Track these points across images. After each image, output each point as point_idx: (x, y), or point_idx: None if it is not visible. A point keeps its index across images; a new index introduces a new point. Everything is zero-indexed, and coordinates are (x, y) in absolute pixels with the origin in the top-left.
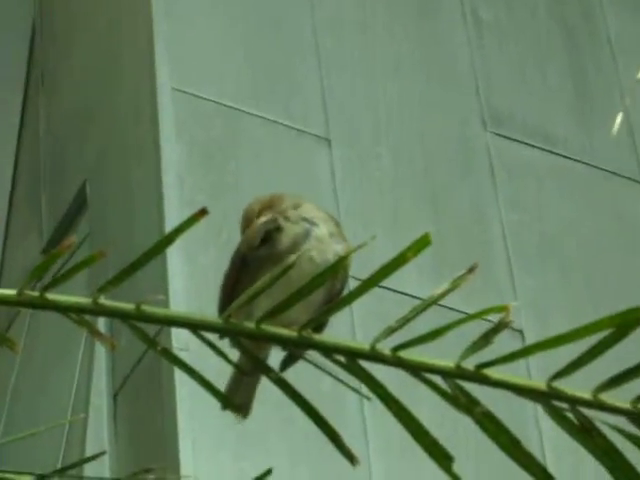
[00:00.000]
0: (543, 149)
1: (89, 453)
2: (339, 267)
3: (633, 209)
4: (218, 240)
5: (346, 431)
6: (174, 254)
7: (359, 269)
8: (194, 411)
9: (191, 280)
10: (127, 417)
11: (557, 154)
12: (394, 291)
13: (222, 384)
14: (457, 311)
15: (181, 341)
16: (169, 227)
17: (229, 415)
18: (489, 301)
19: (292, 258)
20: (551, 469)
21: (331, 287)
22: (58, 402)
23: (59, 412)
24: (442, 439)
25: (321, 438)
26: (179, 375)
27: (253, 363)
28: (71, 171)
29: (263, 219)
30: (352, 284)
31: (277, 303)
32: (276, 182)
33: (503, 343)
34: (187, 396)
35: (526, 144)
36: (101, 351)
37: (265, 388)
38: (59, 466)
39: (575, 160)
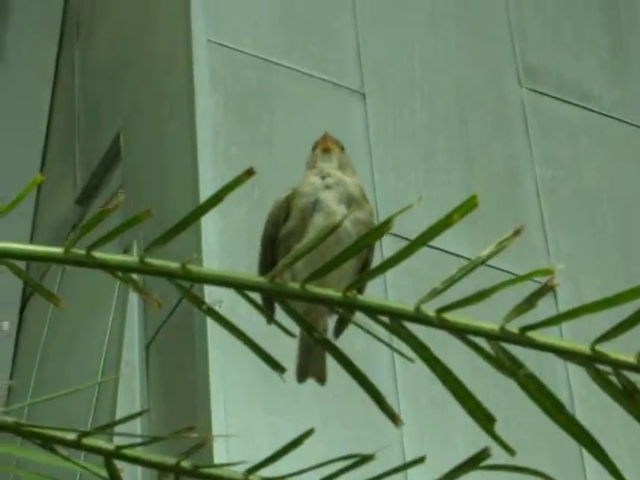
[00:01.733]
0: (577, 105)
1: (120, 406)
2: (385, 230)
3: None
4: (251, 195)
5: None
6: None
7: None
8: (226, 365)
9: (224, 235)
10: (159, 370)
11: (591, 110)
12: (427, 246)
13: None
14: (492, 267)
15: (214, 295)
16: (202, 180)
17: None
18: (521, 259)
19: (332, 222)
20: None
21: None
22: (90, 357)
23: (91, 367)
24: None
25: (353, 396)
26: (212, 327)
27: (300, 325)
28: (105, 122)
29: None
30: (385, 239)
31: (317, 268)
32: (310, 136)
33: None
34: (219, 349)
35: (561, 100)
36: (133, 306)
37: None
38: (90, 419)
39: (609, 116)
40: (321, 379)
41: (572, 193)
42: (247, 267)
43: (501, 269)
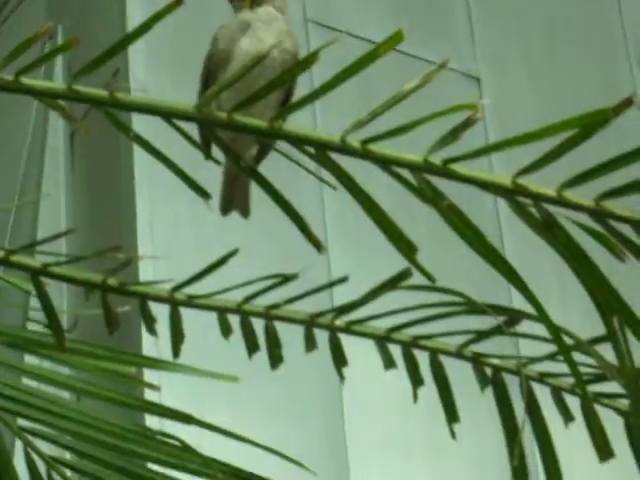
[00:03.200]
0: None
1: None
2: (312, 62)
3: None
4: None
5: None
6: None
7: (319, 13)
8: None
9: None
10: (84, 160)
11: None
12: (354, 36)
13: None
14: (416, 57)
15: (139, 82)
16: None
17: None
18: (447, 49)
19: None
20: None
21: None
22: (14, 145)
23: (16, 154)
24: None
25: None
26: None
27: (226, 153)
28: None
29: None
30: (311, 27)
31: (243, 97)
32: None
33: (460, 88)
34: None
35: None
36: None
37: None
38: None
39: None
40: (245, 212)
41: None
42: (172, 53)
43: (427, 60)
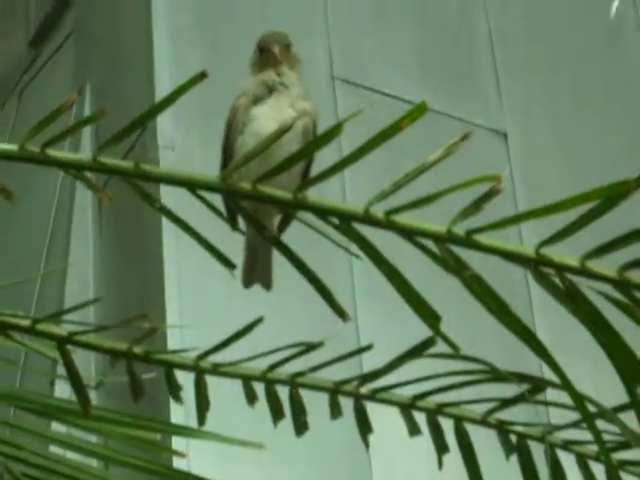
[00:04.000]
0: None
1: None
2: (335, 134)
3: (623, 11)
4: (205, 39)
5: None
6: (161, 52)
7: (345, 70)
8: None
9: (177, 78)
10: (112, 226)
11: None
12: (380, 93)
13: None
14: (444, 114)
15: (167, 139)
16: (156, 22)
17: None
18: (474, 105)
19: (283, 126)
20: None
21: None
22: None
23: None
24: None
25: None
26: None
27: (250, 223)
28: None
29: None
30: (337, 84)
31: (269, 168)
32: None
33: (485, 144)
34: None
35: None
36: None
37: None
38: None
39: None
40: (267, 284)
41: (525, 40)
42: (200, 111)
43: (454, 116)
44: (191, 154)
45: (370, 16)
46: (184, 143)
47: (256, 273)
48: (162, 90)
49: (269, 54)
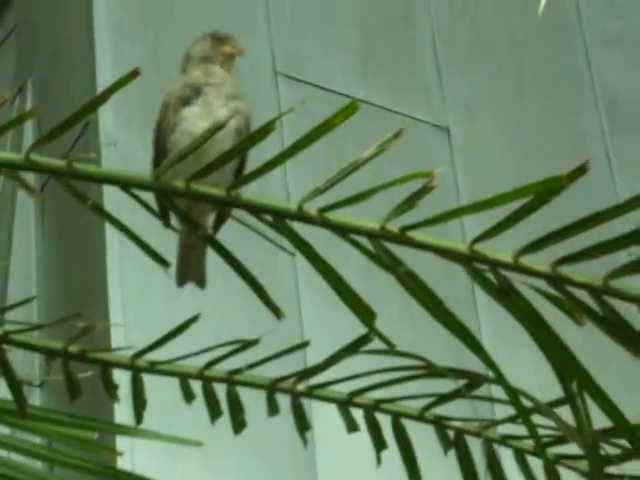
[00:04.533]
0: None
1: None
2: (269, 131)
3: (564, 5)
4: (146, 35)
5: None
6: (102, 48)
7: (287, 66)
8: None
9: (118, 74)
10: (55, 225)
11: None
12: (322, 88)
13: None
14: (385, 109)
15: (109, 135)
16: (97, 18)
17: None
18: (416, 99)
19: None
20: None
21: None
22: None
23: None
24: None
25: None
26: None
27: (184, 222)
28: None
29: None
30: (280, 80)
31: (202, 166)
32: None
33: (429, 141)
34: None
35: None
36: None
37: None
38: None
39: None
40: (201, 283)
41: (468, 34)
42: (142, 107)
43: (396, 111)
44: (133, 150)
45: (311, 12)
46: (126, 139)
47: (190, 271)
48: (103, 86)
49: (230, 42)
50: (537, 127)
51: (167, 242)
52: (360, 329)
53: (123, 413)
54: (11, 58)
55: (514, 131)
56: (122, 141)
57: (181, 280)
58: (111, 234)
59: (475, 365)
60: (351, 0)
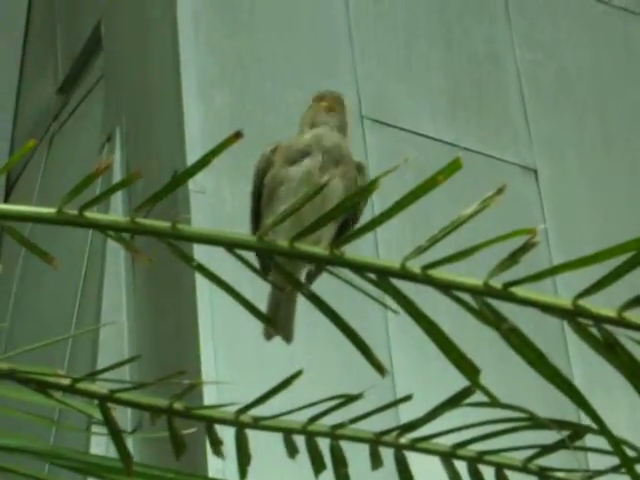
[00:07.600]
0: None
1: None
2: (372, 190)
3: None
4: (232, 81)
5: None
6: (189, 95)
7: (374, 110)
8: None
9: (206, 121)
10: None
11: None
12: (409, 132)
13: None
14: (472, 151)
15: (198, 183)
16: (184, 66)
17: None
18: (503, 141)
19: (322, 180)
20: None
21: None
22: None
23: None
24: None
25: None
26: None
27: (286, 279)
28: (86, 10)
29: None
30: (366, 124)
31: (308, 225)
32: (293, 22)
33: (517, 180)
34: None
35: None
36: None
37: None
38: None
39: None
40: (288, 337)
41: (553, 75)
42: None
43: (484, 153)
44: (222, 197)
45: (397, 54)
46: (215, 186)
47: (278, 325)
48: (192, 134)
49: (329, 97)
50: (625, 169)
51: (257, 293)
52: (451, 377)
53: (216, 469)
54: (99, 107)
55: (601, 172)
56: (211, 189)
57: (269, 334)
58: (202, 291)
59: (564, 412)
60: (436, 42)
